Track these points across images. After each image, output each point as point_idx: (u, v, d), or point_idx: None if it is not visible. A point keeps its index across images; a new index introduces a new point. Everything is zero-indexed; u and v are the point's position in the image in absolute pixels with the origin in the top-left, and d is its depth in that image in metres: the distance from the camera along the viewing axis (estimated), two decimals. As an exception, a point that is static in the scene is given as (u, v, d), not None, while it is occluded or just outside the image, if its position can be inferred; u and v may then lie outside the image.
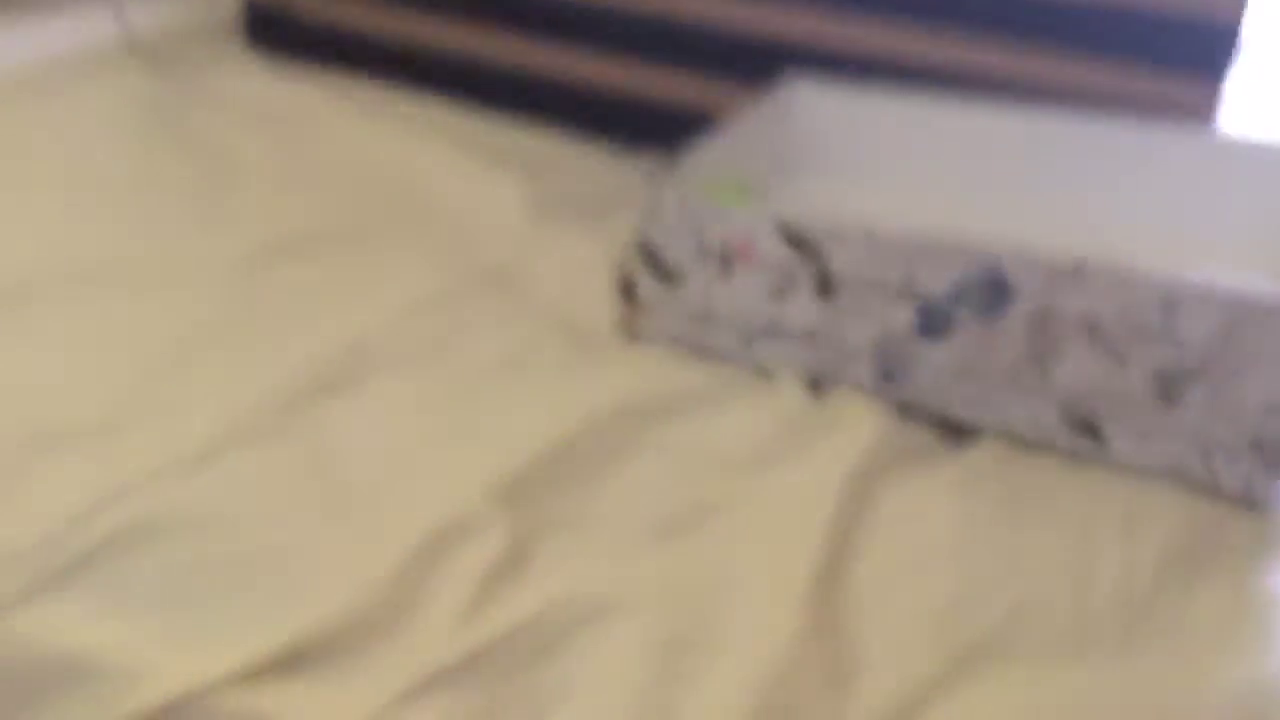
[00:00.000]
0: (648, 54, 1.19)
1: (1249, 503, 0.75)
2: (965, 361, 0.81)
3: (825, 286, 0.83)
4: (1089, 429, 0.79)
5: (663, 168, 0.88)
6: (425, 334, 0.88)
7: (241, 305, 0.90)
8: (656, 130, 1.15)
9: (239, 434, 0.77)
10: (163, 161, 1.09)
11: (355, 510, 0.72)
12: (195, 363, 0.83)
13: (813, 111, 1.07)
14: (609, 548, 0.71)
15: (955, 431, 0.82)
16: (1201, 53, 1.00)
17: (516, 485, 0.74)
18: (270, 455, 0.75)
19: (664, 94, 1.19)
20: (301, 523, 0.71)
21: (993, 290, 0.79)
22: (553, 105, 1.22)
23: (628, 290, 0.91)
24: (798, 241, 0.83)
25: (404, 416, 0.80)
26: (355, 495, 0.73)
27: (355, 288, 0.93)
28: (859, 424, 0.81)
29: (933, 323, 0.81)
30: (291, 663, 0.62)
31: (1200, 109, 1.01)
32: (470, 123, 1.20)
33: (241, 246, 0.97)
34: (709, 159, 0.92)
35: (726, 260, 0.85)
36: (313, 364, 0.84)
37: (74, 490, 0.71)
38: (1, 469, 0.73)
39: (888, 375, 0.83)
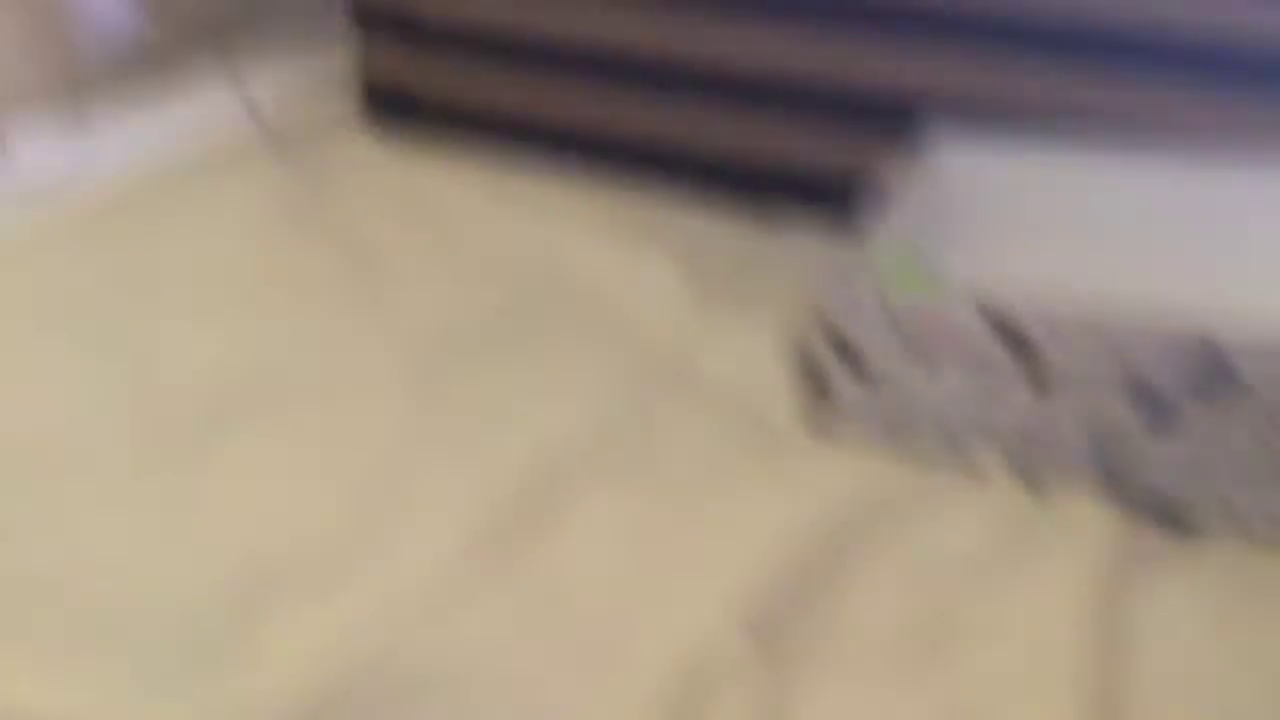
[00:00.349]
0: (776, 113, 1.16)
1: None
2: (1196, 455, 0.78)
3: (1038, 379, 0.81)
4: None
5: (826, 246, 0.86)
6: (617, 442, 0.86)
7: (425, 418, 0.88)
8: (796, 194, 1.13)
9: (461, 567, 0.75)
10: (306, 259, 1.07)
11: (600, 648, 0.69)
12: (396, 487, 0.81)
13: (971, 170, 1.01)
14: (870, 675, 0.68)
15: (1184, 529, 0.79)
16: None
17: (757, 610, 0.72)
18: (497, 589, 0.73)
19: (797, 156, 1.16)
20: (548, 666, 0.68)
21: (1218, 375, 0.76)
22: (684, 173, 1.19)
23: (817, 384, 0.89)
24: (1006, 330, 0.81)
25: (622, 538, 0.78)
26: (596, 631, 0.71)
27: (532, 393, 0.91)
28: (1089, 526, 0.78)
29: (1158, 415, 0.78)
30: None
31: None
32: (604, 197, 1.18)
33: (407, 351, 0.95)
34: (884, 238, 0.89)
35: (929, 355, 0.83)
36: (517, 483, 0.81)
37: (310, 635, 0.69)
38: (233, 613, 0.71)
39: (1111, 472, 0.81)
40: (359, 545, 0.76)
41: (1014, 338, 0.80)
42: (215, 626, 0.71)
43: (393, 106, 1.26)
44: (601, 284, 1.04)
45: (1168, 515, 0.80)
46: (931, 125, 1.03)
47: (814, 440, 0.88)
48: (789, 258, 1.07)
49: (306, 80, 1.33)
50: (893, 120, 1.06)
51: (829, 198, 1.09)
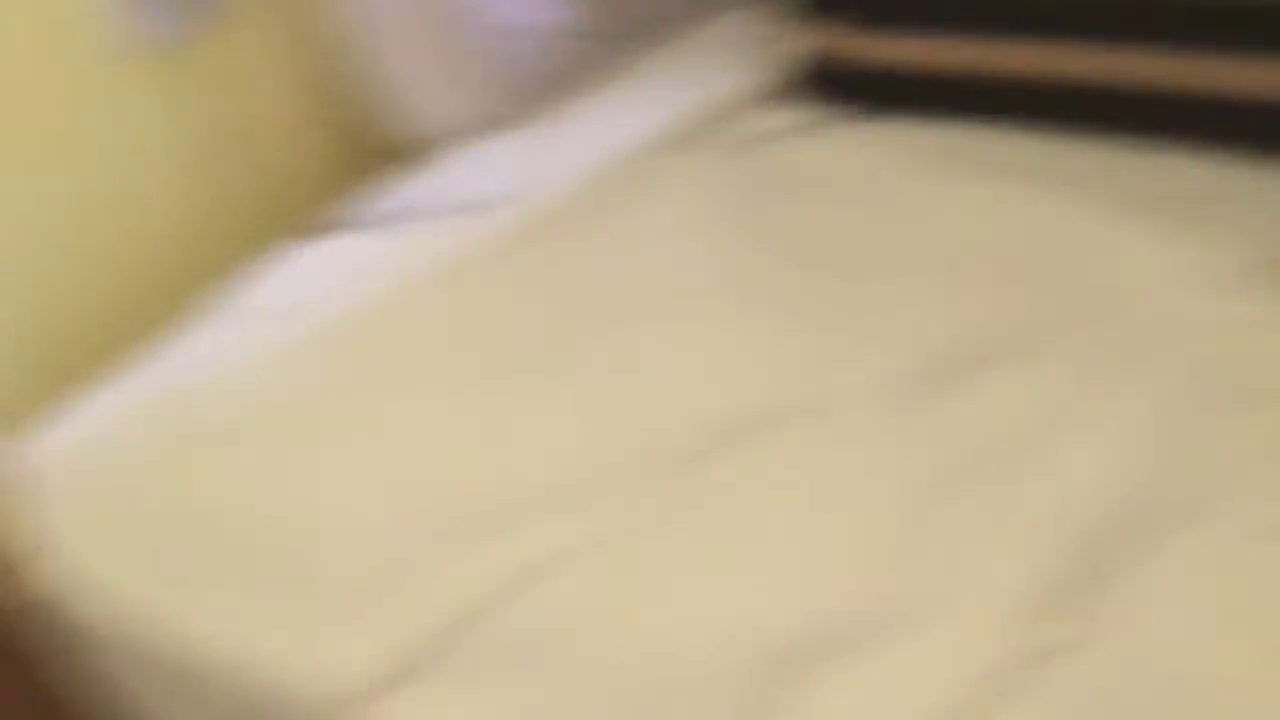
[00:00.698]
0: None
1: None
2: None
3: None
4: None
5: None
6: (1178, 479, 0.73)
7: (935, 450, 0.78)
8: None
9: (1013, 642, 0.64)
10: (764, 260, 0.98)
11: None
12: (921, 543, 0.71)
13: None
14: None
15: None
16: None
17: None
18: (1077, 670, 0.62)
19: None
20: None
21: None
22: (1169, 122, 1.01)
23: None
24: None
25: (1206, 603, 0.65)
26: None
27: (1061, 419, 0.78)
28: None
29: None
30: None
31: None
32: (1090, 158, 1.01)
33: (900, 363, 0.84)
34: None
35: None
36: (1066, 536, 0.70)
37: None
38: (767, 686, 0.63)
39: None
40: (889, 613, 0.67)
41: None
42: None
43: (841, 85, 1.14)
44: (1118, 271, 0.89)
45: None
46: None
47: None
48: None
49: (745, 65, 1.23)
50: None
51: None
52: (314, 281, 1.01)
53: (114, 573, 0.80)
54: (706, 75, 1.20)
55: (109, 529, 0.83)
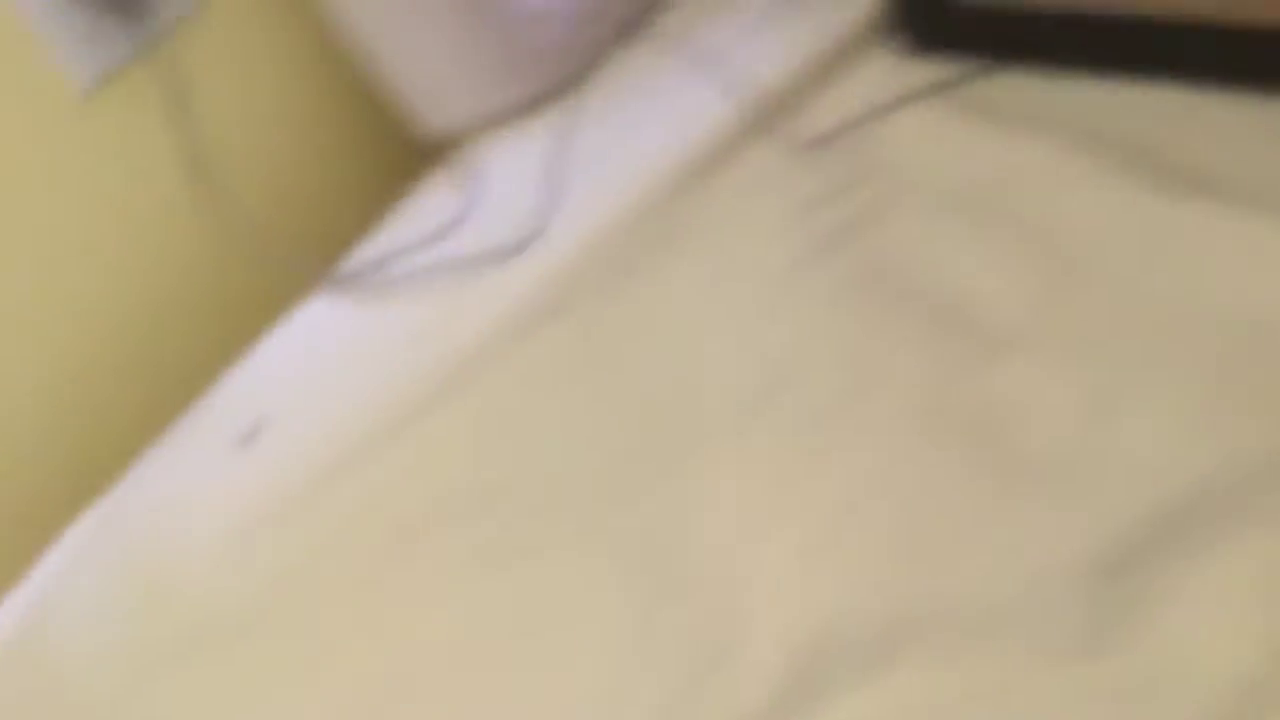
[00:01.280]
0: None
1: None
2: None
3: None
4: None
5: None
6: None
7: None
8: None
9: None
10: (868, 330, 0.69)
11: None
12: None
13: None
14: None
15: None
16: None
17: None
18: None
19: None
20: None
21: None
22: None
23: None
24: None
25: None
26: None
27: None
28: None
29: None
30: None
31: None
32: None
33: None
34: None
35: None
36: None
37: None
38: None
39: None
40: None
41: None
42: None
43: (920, 24, 0.85)
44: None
45: None
46: None
47: None
48: None
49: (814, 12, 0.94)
50: None
51: None
52: (295, 389, 0.81)
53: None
54: (763, 34, 0.92)
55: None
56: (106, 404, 0.99)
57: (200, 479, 0.76)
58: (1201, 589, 0.49)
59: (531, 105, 1.00)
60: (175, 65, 0.98)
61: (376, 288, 0.91)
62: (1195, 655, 0.48)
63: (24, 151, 0.94)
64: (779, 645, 0.55)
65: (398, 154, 1.10)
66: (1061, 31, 0.81)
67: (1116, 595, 0.51)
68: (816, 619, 0.55)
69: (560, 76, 1.01)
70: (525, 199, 0.90)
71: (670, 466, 0.65)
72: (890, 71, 0.84)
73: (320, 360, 0.84)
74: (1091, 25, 0.79)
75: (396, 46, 0.99)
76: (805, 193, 0.79)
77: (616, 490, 0.65)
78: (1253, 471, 0.52)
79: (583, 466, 0.67)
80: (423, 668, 0.60)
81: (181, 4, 1.00)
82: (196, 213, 1.00)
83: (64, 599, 0.75)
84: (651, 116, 0.91)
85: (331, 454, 0.74)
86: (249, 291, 1.01)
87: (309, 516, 0.71)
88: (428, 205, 0.95)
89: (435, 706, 0.59)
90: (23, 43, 0.93)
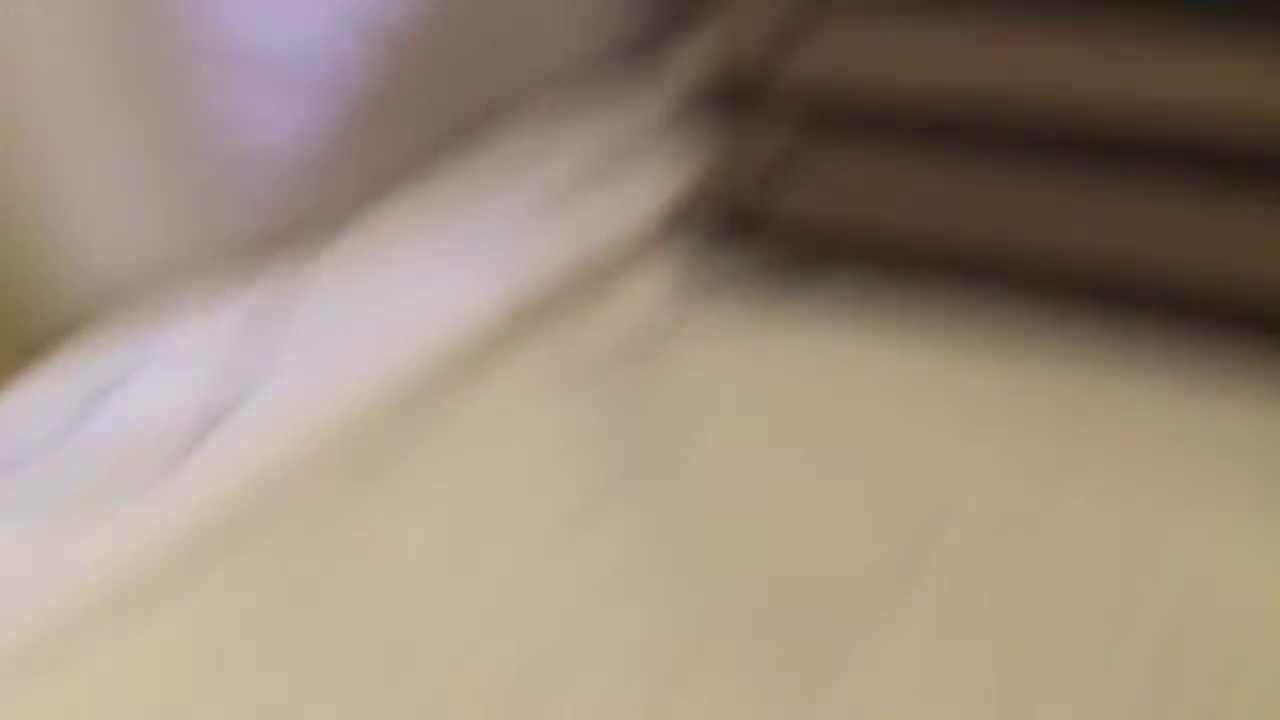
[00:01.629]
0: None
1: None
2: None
3: None
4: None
5: None
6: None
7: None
8: None
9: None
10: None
11: None
12: None
13: None
14: None
15: None
16: None
17: None
18: None
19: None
20: None
21: None
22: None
23: None
24: None
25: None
26: None
27: None
28: None
29: None
30: None
31: None
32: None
33: None
34: None
35: None
36: None
37: None
38: None
39: None
40: None
41: None
42: None
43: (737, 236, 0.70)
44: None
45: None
46: None
47: None
48: None
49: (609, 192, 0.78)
50: None
51: None
52: None
53: None
54: (548, 217, 0.75)
55: None
56: None
57: None
58: None
59: (233, 260, 0.79)
60: None
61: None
62: None
63: None
64: None
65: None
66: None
67: None
68: None
69: (276, 230, 0.80)
70: (198, 385, 0.68)
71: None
72: (691, 269, 0.71)
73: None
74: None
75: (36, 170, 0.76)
76: (583, 417, 0.60)
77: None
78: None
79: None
80: None
81: None
82: None
83: None
84: (392, 294, 0.71)
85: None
86: None
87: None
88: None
89: None
90: None
